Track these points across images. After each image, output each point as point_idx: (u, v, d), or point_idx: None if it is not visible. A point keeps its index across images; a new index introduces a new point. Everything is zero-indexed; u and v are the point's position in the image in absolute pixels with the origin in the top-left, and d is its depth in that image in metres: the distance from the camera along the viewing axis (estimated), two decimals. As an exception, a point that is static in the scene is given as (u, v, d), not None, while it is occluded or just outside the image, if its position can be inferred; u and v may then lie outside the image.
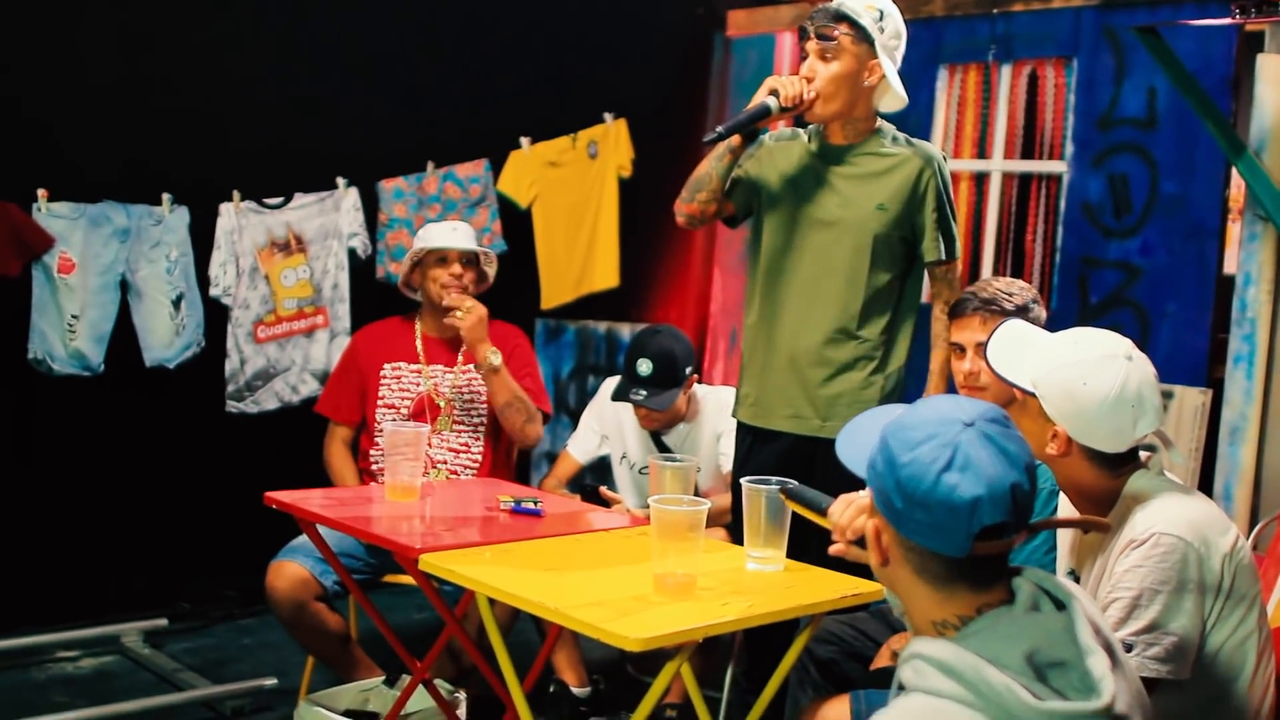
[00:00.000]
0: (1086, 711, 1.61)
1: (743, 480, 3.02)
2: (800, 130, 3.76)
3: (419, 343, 4.32)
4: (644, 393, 4.11)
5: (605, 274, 6.10)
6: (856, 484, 1.93)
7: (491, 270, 4.40)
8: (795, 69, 6.28)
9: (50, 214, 4.57)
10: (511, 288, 5.34)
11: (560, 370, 6.24)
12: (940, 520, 1.68)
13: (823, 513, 2.22)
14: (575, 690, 4.20)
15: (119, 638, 4.76)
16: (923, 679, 1.67)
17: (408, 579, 4.01)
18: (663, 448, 4.29)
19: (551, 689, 4.16)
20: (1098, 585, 2.42)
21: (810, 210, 3.64)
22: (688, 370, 4.19)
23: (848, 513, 2.08)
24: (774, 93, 3.50)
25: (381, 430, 4.21)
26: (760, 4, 6.48)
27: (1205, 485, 4.58)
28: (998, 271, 5.53)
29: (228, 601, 5.22)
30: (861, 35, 3.50)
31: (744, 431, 3.82)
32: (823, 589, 2.89)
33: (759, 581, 2.93)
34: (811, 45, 3.54)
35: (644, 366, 4.12)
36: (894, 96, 3.58)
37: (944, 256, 3.64)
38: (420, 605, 5.19)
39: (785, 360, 3.68)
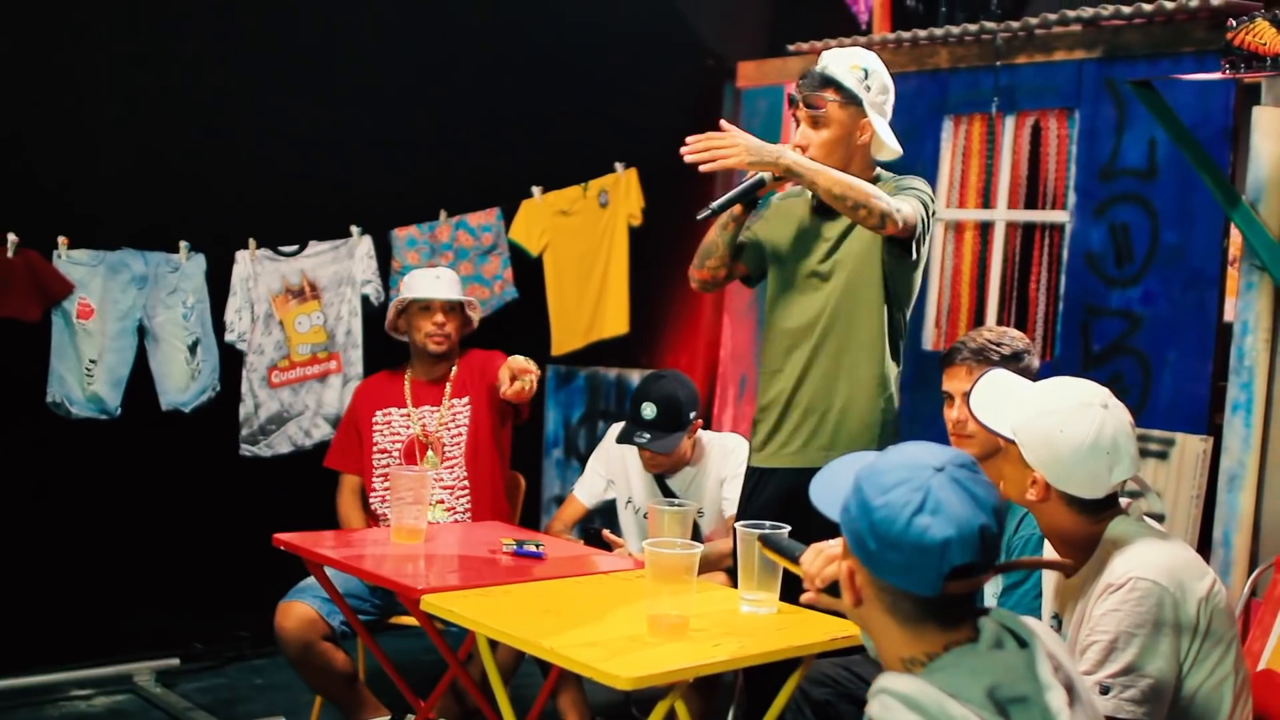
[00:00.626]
0: None
1: (736, 525, 3.09)
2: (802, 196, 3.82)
3: (407, 387, 4.48)
4: (648, 436, 4.18)
5: (615, 321, 6.19)
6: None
7: (475, 315, 4.53)
8: (786, 136, 6.40)
9: (70, 261, 4.68)
10: (523, 334, 5.45)
11: (570, 416, 6.32)
12: (912, 561, 1.74)
13: (795, 560, 2.30)
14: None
15: (131, 676, 4.84)
16: (888, 713, 1.73)
17: (413, 620, 4.09)
18: (667, 492, 4.35)
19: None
20: (1078, 629, 2.48)
21: (809, 265, 3.70)
22: (692, 415, 4.25)
23: (817, 561, 2.16)
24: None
25: (378, 475, 4.34)
26: (769, 55, 6.59)
27: (1205, 532, 4.61)
28: (1002, 320, 5.59)
29: (240, 642, 5.29)
30: (849, 98, 3.58)
31: (753, 472, 3.84)
32: (814, 631, 2.95)
33: (752, 623, 3.00)
34: (801, 113, 3.62)
35: (648, 410, 4.19)
36: (887, 150, 3.66)
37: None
38: (427, 647, 5.23)
39: (805, 408, 3.71)
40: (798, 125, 3.66)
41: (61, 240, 4.67)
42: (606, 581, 3.38)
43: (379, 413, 4.45)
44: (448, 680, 3.60)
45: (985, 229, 5.69)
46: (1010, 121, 5.61)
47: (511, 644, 2.87)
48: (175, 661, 4.96)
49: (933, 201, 3.64)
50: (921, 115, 5.82)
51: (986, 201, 5.66)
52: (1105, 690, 2.32)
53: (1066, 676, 1.82)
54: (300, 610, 3.94)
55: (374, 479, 4.37)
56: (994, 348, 3.29)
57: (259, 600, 4.32)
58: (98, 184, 4.83)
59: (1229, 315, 5.01)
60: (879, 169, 3.75)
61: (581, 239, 6.06)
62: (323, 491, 4.59)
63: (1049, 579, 2.74)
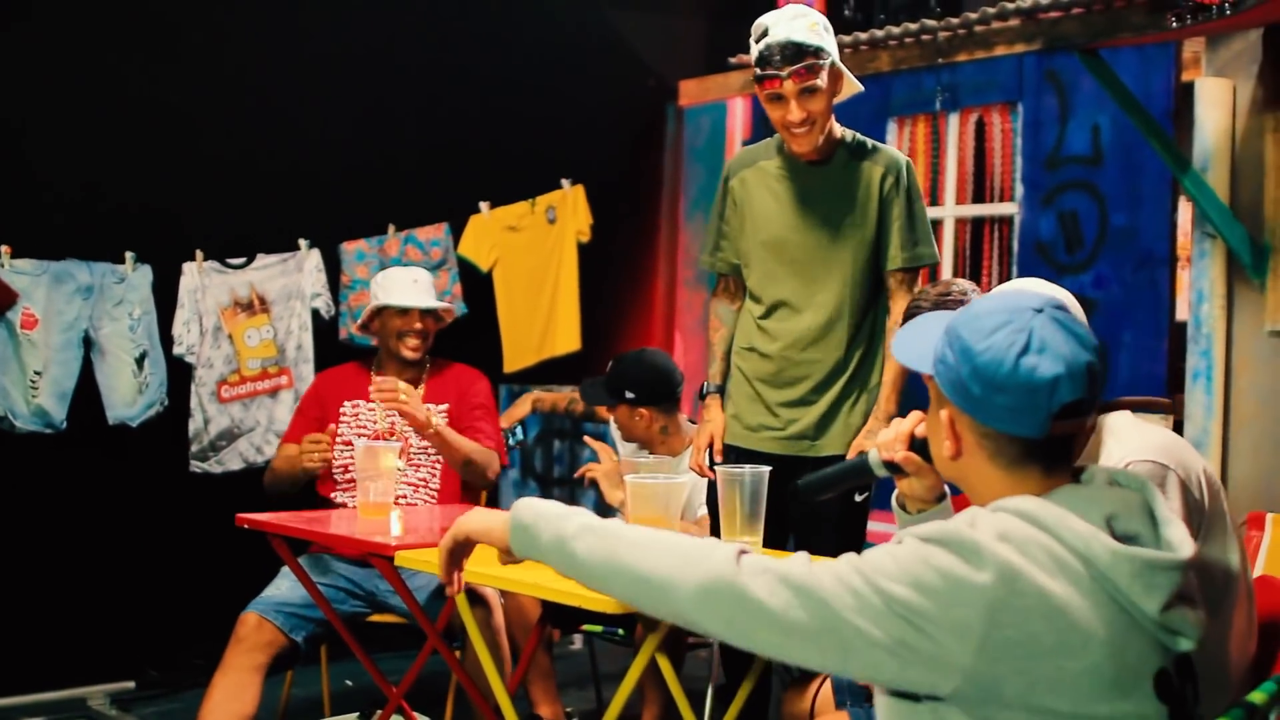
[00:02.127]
0: (1169, 561, 1.63)
1: (718, 467, 3.02)
2: (762, 161, 3.70)
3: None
4: (589, 381, 4.27)
5: (567, 338, 6.13)
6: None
7: (449, 317, 4.40)
8: (747, 133, 6.40)
9: (13, 270, 4.58)
10: (473, 351, 5.34)
11: (526, 435, 6.23)
12: (1021, 402, 1.69)
13: (858, 469, 2.18)
14: (551, 725, 4.14)
15: (85, 700, 4.67)
16: (1002, 522, 1.66)
17: (392, 617, 3.97)
18: None
19: (528, 723, 4.10)
20: None
21: (792, 237, 3.63)
22: (629, 395, 4.15)
23: (892, 429, 2.11)
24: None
25: (339, 466, 4.13)
26: (710, 72, 6.63)
27: (1172, 503, 4.60)
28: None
29: (195, 670, 5.11)
30: (825, 54, 3.44)
31: (728, 452, 3.73)
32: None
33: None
34: (789, 88, 3.41)
35: (610, 364, 4.24)
36: (854, 87, 3.60)
37: (902, 265, 3.60)
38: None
39: (778, 384, 3.64)
40: (778, 101, 3.45)
41: (4, 249, 4.57)
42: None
43: (348, 403, 4.26)
44: (424, 657, 3.48)
45: (934, 227, 5.71)
46: (954, 119, 5.67)
47: (489, 584, 2.79)
48: (130, 685, 4.79)
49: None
50: (866, 120, 5.85)
51: (934, 199, 5.69)
52: None
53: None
54: (251, 624, 3.72)
55: (335, 469, 4.21)
56: (949, 297, 2.99)
57: (215, 622, 4.15)
58: (41, 192, 4.73)
59: (1180, 313, 5.04)
60: (841, 131, 3.67)
61: (531, 255, 6.02)
62: (275, 508, 4.45)
63: None
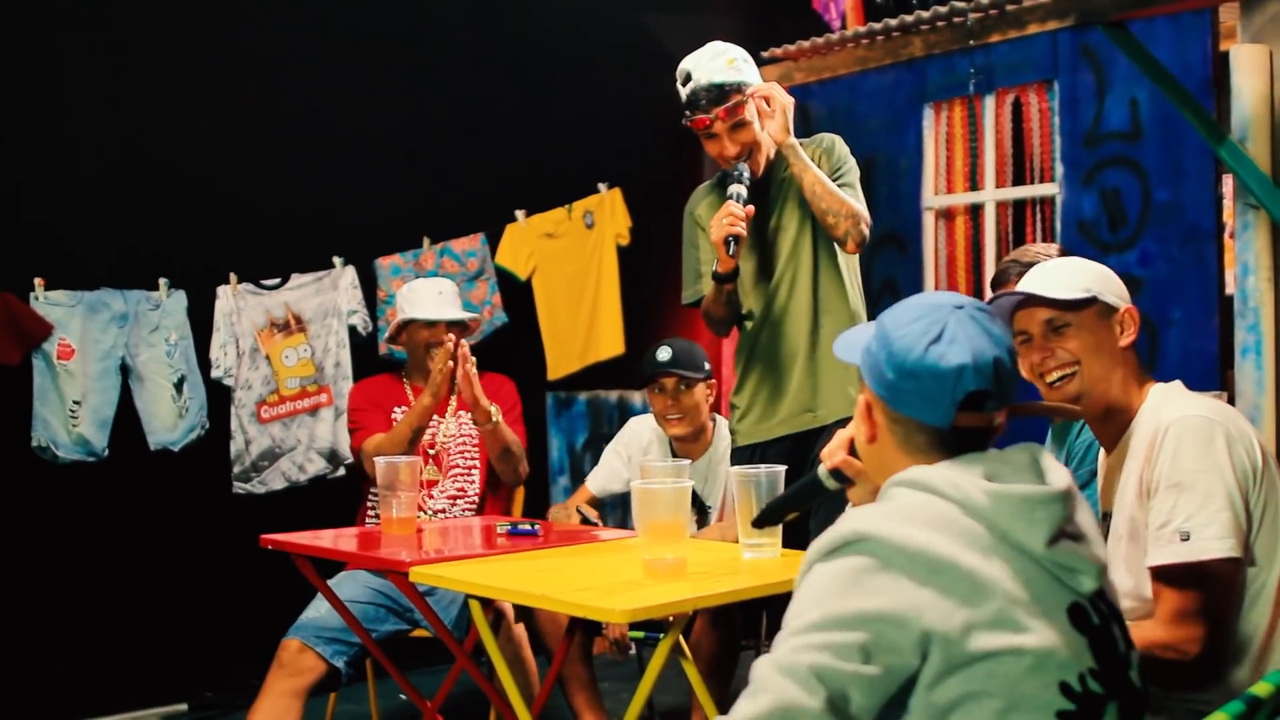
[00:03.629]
0: (1044, 493, 1.70)
1: (732, 470, 2.99)
2: (714, 192, 3.78)
3: (410, 394, 4.29)
4: (670, 364, 4.15)
5: (611, 342, 6.10)
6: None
7: (476, 327, 4.42)
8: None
9: (48, 302, 4.62)
10: (517, 360, 5.33)
11: (574, 441, 6.21)
12: (927, 388, 1.77)
13: (810, 485, 2.23)
14: (596, 733, 4.10)
15: (138, 724, 4.72)
16: (893, 502, 1.74)
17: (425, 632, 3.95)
18: None
19: (573, 732, 4.07)
20: (1121, 507, 2.36)
21: (752, 252, 3.68)
22: (706, 365, 4.22)
23: (835, 442, 2.16)
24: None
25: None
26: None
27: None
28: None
29: (249, 690, 5.13)
30: (742, 89, 3.54)
31: (745, 452, 3.74)
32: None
33: (755, 565, 2.88)
34: (719, 128, 3.53)
35: (664, 353, 4.17)
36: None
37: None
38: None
39: (782, 372, 3.66)
40: (713, 139, 3.56)
41: (38, 281, 4.61)
42: (604, 547, 3.26)
43: (397, 409, 4.28)
44: (455, 674, 3.46)
45: (976, 211, 5.62)
46: (990, 101, 5.56)
47: (502, 598, 2.75)
48: (183, 707, 4.82)
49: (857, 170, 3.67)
50: (902, 106, 5.78)
51: (974, 184, 5.59)
52: (1186, 536, 2.20)
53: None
54: (293, 650, 3.73)
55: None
56: (1047, 256, 3.14)
57: (266, 642, 4.16)
58: (73, 223, 4.77)
59: (1229, 286, 4.92)
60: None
61: (570, 261, 5.99)
62: (322, 526, 4.46)
63: (1100, 477, 2.62)
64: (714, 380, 4.29)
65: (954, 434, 1.78)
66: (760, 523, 2.48)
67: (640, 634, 4.13)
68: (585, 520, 4.14)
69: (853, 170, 3.65)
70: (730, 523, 3.79)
